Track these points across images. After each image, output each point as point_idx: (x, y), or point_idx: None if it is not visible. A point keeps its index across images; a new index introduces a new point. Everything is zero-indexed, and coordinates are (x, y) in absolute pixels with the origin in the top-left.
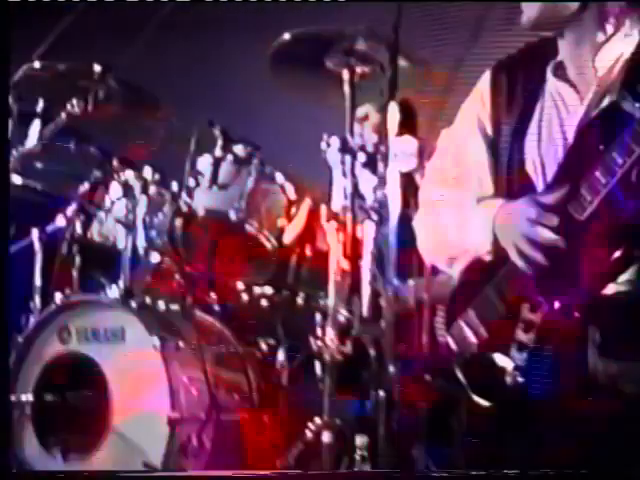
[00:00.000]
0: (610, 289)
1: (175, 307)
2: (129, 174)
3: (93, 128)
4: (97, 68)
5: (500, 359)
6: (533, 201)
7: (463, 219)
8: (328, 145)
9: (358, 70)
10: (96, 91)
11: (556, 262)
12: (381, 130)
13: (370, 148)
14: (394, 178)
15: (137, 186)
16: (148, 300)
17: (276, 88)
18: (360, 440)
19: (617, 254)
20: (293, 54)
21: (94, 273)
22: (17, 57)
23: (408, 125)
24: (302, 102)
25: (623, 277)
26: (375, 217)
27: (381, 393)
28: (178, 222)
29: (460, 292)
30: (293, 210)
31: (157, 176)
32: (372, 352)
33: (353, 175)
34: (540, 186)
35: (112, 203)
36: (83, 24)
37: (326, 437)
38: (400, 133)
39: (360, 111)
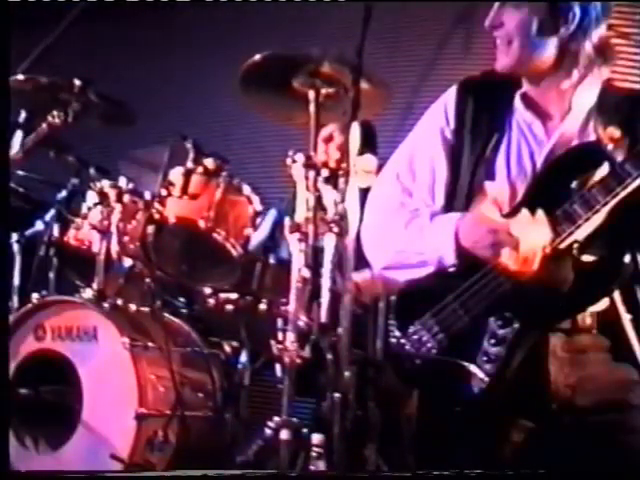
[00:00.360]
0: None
1: (145, 309)
2: (105, 183)
3: (72, 139)
4: (77, 82)
5: (459, 366)
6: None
7: (417, 228)
8: (294, 161)
9: (323, 91)
10: (76, 104)
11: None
12: (344, 148)
13: (333, 164)
14: (354, 193)
15: (112, 194)
16: (120, 302)
17: (247, 106)
18: (316, 438)
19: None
20: (263, 74)
21: (70, 275)
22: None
23: (369, 144)
24: (271, 120)
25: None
26: (336, 229)
27: (337, 395)
28: (150, 229)
29: (418, 297)
30: (258, 220)
31: (131, 185)
32: (329, 356)
33: (316, 189)
34: (504, 210)
35: (88, 209)
36: (65, 40)
37: (284, 435)
38: (361, 152)
39: (325, 130)
